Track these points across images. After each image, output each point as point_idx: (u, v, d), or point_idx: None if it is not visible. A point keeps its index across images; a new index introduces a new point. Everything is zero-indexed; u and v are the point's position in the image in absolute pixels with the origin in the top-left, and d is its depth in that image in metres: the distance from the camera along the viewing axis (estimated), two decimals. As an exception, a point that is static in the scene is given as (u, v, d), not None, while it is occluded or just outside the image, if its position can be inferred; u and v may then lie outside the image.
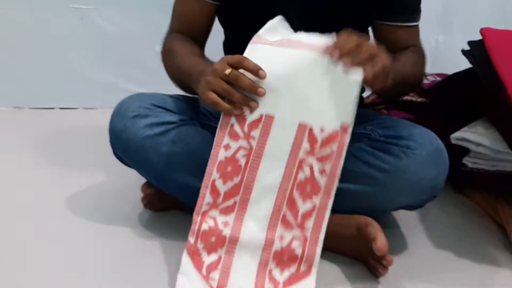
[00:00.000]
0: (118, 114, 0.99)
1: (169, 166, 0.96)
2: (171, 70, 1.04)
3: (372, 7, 1.04)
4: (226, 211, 0.86)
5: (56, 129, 1.56)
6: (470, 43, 1.29)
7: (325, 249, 0.96)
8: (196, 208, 0.87)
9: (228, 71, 0.82)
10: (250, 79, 0.83)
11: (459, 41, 1.37)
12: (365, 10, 1.04)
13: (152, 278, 0.90)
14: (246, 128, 0.85)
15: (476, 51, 1.23)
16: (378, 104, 1.48)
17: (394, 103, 1.39)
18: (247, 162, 0.85)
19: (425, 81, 1.46)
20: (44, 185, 1.21)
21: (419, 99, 1.41)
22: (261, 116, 0.84)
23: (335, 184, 0.85)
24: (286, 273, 0.84)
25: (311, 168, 0.84)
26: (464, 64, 1.33)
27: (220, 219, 0.85)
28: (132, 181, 1.16)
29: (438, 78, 1.46)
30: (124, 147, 0.98)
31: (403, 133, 0.96)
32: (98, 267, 0.93)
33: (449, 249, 1.05)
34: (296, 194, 0.84)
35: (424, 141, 0.95)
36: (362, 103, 1.23)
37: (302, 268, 0.84)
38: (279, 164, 0.84)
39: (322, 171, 0.84)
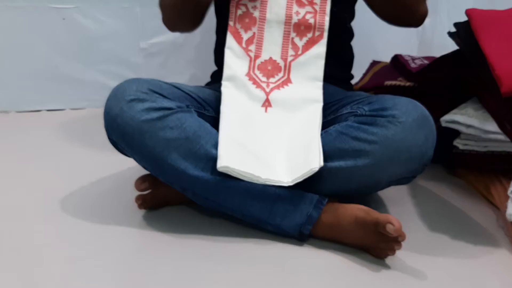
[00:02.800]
0: (115, 98, 0.98)
1: (165, 151, 0.95)
2: (167, 5, 1.12)
3: None
4: None
5: (44, 131, 1.55)
6: (456, 24, 1.29)
7: (324, 238, 0.95)
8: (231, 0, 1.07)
9: None
10: None
11: (446, 23, 1.38)
12: None
13: (155, 275, 0.89)
14: None
15: (462, 32, 1.23)
16: (367, 90, 1.48)
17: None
18: None
19: (413, 65, 1.46)
20: (36, 188, 1.20)
21: (408, 83, 1.41)
22: None
23: None
24: (304, 39, 1.07)
25: None
26: (451, 46, 1.33)
27: (250, 4, 1.08)
28: (125, 180, 1.16)
29: (426, 62, 1.45)
30: (120, 131, 0.97)
31: (387, 104, 0.97)
32: (97, 269, 0.92)
33: (443, 231, 1.05)
34: None
35: (408, 108, 0.96)
36: (350, 89, 1.24)
37: (316, 33, 1.07)
38: None
39: None
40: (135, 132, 0.96)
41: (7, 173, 1.27)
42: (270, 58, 1.07)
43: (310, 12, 1.06)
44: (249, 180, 0.96)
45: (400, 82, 1.43)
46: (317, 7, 1.06)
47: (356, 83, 1.54)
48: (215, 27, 1.24)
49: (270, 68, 1.07)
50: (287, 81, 1.07)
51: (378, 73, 1.55)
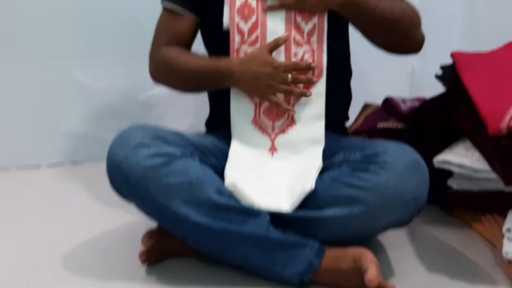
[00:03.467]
0: (120, 143, 1.00)
1: (169, 197, 0.96)
2: (174, 77, 1.15)
3: None
4: (252, 43, 1.09)
5: (44, 187, 1.56)
6: (442, 67, 1.33)
7: (324, 284, 0.96)
8: (230, 48, 1.09)
9: (289, 76, 1.03)
10: (306, 76, 1.06)
11: (435, 64, 1.42)
12: None
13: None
14: None
15: (449, 75, 1.28)
16: (360, 133, 1.51)
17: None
18: (257, 3, 1.09)
19: (404, 107, 1.50)
20: (39, 244, 1.20)
21: (399, 126, 1.44)
22: None
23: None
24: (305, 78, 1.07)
25: None
26: (441, 87, 1.37)
27: (249, 50, 1.08)
28: (127, 235, 1.18)
29: (417, 103, 1.49)
30: (125, 177, 0.98)
31: (379, 150, 0.99)
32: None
33: (442, 272, 1.05)
34: (299, 19, 1.08)
35: (399, 154, 0.98)
36: (344, 132, 1.27)
37: (316, 72, 1.09)
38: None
39: None
40: (139, 178, 0.97)
41: (8, 229, 1.28)
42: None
43: (308, 52, 1.09)
44: (249, 204, 0.97)
45: (392, 124, 1.46)
46: (314, 46, 1.09)
47: (350, 127, 1.57)
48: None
49: (275, 113, 1.10)
50: (292, 123, 1.10)
51: (370, 116, 1.59)
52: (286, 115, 1.10)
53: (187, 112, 1.79)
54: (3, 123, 1.69)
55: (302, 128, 1.09)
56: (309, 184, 0.97)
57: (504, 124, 1.02)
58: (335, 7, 1.06)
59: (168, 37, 1.16)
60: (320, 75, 1.09)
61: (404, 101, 1.54)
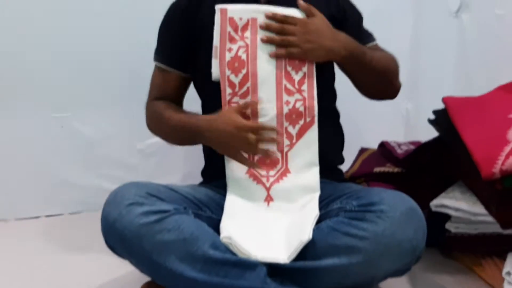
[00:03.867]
0: (114, 202, 1.00)
1: (163, 254, 0.96)
2: (162, 131, 1.24)
3: None
4: (243, 95, 1.11)
5: (43, 238, 1.56)
6: (435, 112, 1.36)
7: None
8: (222, 101, 1.11)
9: (252, 137, 1.06)
10: (270, 137, 1.09)
11: (428, 107, 1.44)
12: None
13: None
14: (239, 32, 1.12)
15: (441, 119, 1.30)
16: (357, 177, 1.52)
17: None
18: (247, 56, 1.11)
19: (399, 151, 1.51)
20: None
21: (396, 170, 1.46)
22: (248, 20, 1.12)
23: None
24: (297, 127, 1.12)
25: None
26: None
27: (241, 102, 1.11)
28: (126, 285, 1.18)
29: (412, 147, 1.51)
30: (119, 235, 0.98)
31: (375, 199, 0.99)
32: None
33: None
34: (289, 68, 1.12)
35: (395, 202, 0.98)
36: (341, 178, 1.28)
37: (307, 119, 1.12)
38: (271, 50, 1.11)
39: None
40: (133, 237, 0.97)
41: (6, 280, 1.27)
42: (267, 151, 1.11)
43: (299, 100, 1.11)
44: (246, 257, 0.97)
45: (388, 168, 1.48)
46: (305, 94, 1.11)
47: (346, 171, 1.58)
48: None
49: (269, 162, 1.11)
50: (286, 171, 1.11)
51: (366, 160, 1.60)
52: (280, 163, 1.11)
53: (184, 161, 1.81)
54: (1, 174, 1.70)
55: (296, 177, 1.10)
56: (307, 234, 0.97)
57: (497, 169, 1.03)
58: (338, 59, 1.13)
59: (158, 91, 1.24)
60: (312, 122, 1.11)
61: (399, 145, 1.56)
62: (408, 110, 1.99)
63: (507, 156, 1.04)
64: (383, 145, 1.57)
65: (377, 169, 1.50)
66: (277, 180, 1.11)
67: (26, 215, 1.71)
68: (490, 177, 1.04)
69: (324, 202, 1.09)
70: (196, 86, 1.26)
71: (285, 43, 1.10)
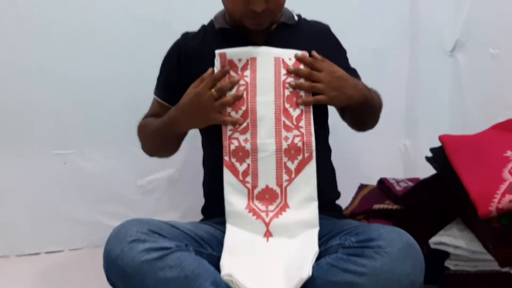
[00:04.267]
0: (116, 239, 1.01)
1: None
2: (147, 138, 1.31)
3: None
4: (243, 131, 1.15)
5: (42, 275, 1.55)
6: (432, 150, 1.37)
7: None
8: (223, 135, 1.15)
9: (213, 91, 1.14)
10: (229, 81, 1.15)
11: (426, 144, 1.47)
12: None
13: None
14: (239, 72, 1.17)
15: (438, 157, 1.31)
16: (357, 214, 1.53)
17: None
18: (247, 93, 1.15)
19: (398, 188, 1.52)
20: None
21: (395, 207, 1.46)
22: (247, 60, 1.17)
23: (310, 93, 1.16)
24: (296, 162, 1.14)
25: (291, 84, 1.16)
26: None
27: (241, 137, 1.14)
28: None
29: (410, 183, 1.52)
30: (121, 272, 0.99)
31: (373, 235, 1.00)
32: None
33: None
34: (287, 106, 1.15)
35: (393, 238, 0.99)
36: (341, 214, 1.29)
37: (306, 154, 1.14)
38: (269, 88, 1.15)
39: (300, 85, 1.16)
40: (135, 273, 0.98)
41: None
42: (267, 186, 1.13)
43: (297, 136, 1.14)
44: None
45: (387, 205, 1.48)
46: (303, 130, 1.14)
47: (346, 208, 1.59)
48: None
49: (268, 197, 1.13)
50: (285, 206, 1.12)
51: (366, 197, 1.61)
52: (280, 198, 1.13)
53: (185, 197, 1.82)
54: (2, 210, 1.71)
55: (295, 212, 1.11)
56: (306, 271, 0.97)
57: (493, 207, 1.04)
58: (355, 105, 1.19)
59: (153, 115, 1.33)
60: (310, 158, 1.14)
61: (398, 181, 1.57)
62: (406, 147, 2.01)
63: (503, 195, 1.05)
64: (382, 182, 1.58)
65: (376, 206, 1.50)
66: (276, 215, 1.12)
67: (26, 252, 1.71)
68: (487, 215, 1.05)
69: (324, 239, 1.10)
70: None
71: (313, 90, 1.15)
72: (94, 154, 1.76)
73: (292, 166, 1.14)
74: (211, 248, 1.10)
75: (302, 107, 1.15)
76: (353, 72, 1.31)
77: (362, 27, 1.84)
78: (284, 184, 1.13)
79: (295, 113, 1.15)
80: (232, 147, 1.15)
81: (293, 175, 1.14)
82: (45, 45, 1.66)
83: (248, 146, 1.14)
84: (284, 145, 1.14)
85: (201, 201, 1.31)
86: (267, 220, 1.12)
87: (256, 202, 1.13)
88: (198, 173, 1.32)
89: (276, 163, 1.14)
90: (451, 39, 1.90)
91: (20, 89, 1.66)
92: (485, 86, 1.72)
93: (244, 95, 1.15)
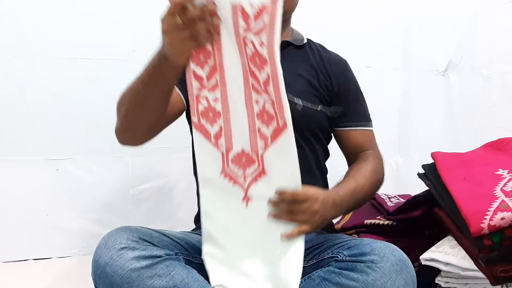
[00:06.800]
0: (105, 246, 0.99)
1: None
2: (127, 96, 1.10)
3: (331, 119, 1.28)
4: (213, 88, 1.02)
5: (30, 281, 1.53)
6: (424, 166, 1.39)
7: None
8: (189, 95, 1.03)
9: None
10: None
11: (417, 162, 1.48)
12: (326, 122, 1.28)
13: None
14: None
15: (430, 174, 1.33)
16: (348, 229, 1.53)
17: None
18: (212, 46, 0.99)
19: (390, 204, 1.53)
20: None
21: (386, 222, 1.47)
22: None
23: (275, 53, 0.94)
24: (271, 128, 1.01)
25: (252, 43, 0.95)
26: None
27: (210, 96, 1.03)
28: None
29: (402, 200, 1.53)
30: (109, 280, 0.97)
31: (366, 249, 1.00)
32: None
33: None
34: (252, 67, 0.98)
35: (386, 253, 0.99)
36: (332, 229, 1.29)
37: (280, 123, 0.99)
38: (232, 44, 0.97)
39: (261, 43, 0.95)
40: (123, 281, 0.96)
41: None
42: (243, 150, 1.04)
43: (267, 101, 1.00)
44: None
45: (379, 220, 1.49)
46: (273, 97, 0.98)
47: (337, 222, 1.60)
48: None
49: (244, 161, 1.04)
50: (262, 172, 1.04)
51: (358, 212, 1.62)
52: (256, 164, 1.03)
53: (177, 207, 1.81)
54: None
55: (273, 178, 1.03)
56: (295, 285, 0.97)
57: (485, 224, 1.05)
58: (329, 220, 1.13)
59: None
60: (284, 126, 0.99)
61: (389, 197, 1.58)
62: (398, 164, 2.03)
63: (495, 212, 1.06)
64: (373, 198, 1.59)
65: (367, 221, 1.51)
66: (254, 180, 1.05)
67: (14, 258, 1.69)
68: (478, 232, 1.06)
69: (315, 252, 1.10)
70: (187, 118, 1.27)
71: (295, 222, 1.03)
72: (87, 162, 1.76)
73: (267, 131, 1.02)
74: (200, 258, 1.09)
75: (268, 70, 0.96)
76: (362, 117, 1.31)
77: (357, 45, 1.87)
78: (260, 151, 1.02)
79: (261, 76, 0.98)
80: (201, 107, 1.04)
81: (269, 142, 1.02)
82: (38, 52, 1.66)
83: (218, 106, 1.03)
84: (256, 108, 1.01)
85: (193, 211, 1.31)
86: (245, 186, 1.05)
87: (232, 166, 1.04)
88: (190, 183, 1.32)
89: (250, 127, 1.03)
90: (444, 60, 1.94)
91: (13, 96, 1.66)
92: (477, 106, 1.76)
93: (210, 48, 1.00)
